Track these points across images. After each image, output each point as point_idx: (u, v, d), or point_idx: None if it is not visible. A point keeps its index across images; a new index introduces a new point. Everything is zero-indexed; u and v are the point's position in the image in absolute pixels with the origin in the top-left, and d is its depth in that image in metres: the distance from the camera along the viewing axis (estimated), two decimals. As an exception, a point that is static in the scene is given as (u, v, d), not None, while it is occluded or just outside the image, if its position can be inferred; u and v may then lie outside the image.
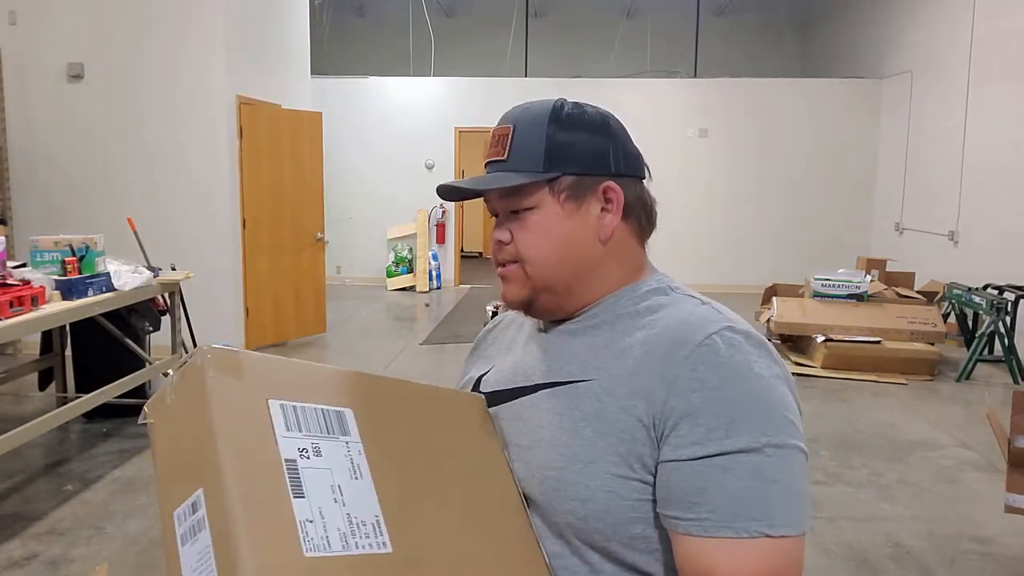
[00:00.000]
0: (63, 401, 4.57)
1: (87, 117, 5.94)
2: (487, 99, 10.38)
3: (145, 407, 0.75)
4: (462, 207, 12.17)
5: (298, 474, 0.66)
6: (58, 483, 3.78)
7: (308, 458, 0.68)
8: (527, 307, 0.95)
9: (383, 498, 0.71)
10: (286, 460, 0.66)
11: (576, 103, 0.96)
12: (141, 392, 4.63)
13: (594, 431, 0.84)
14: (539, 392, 0.92)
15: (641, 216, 0.95)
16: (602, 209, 0.92)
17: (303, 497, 0.65)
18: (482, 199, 0.95)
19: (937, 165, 8.19)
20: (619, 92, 10.16)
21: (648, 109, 10.01)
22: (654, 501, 0.83)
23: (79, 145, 5.98)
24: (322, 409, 0.73)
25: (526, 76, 11.17)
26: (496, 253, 0.96)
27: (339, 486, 0.68)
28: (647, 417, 0.82)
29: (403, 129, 10.40)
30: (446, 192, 0.94)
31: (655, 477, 0.82)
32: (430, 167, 10.45)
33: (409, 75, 11.07)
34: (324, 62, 10.81)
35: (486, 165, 0.96)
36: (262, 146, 6.32)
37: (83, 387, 4.42)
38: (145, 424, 0.74)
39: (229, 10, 5.90)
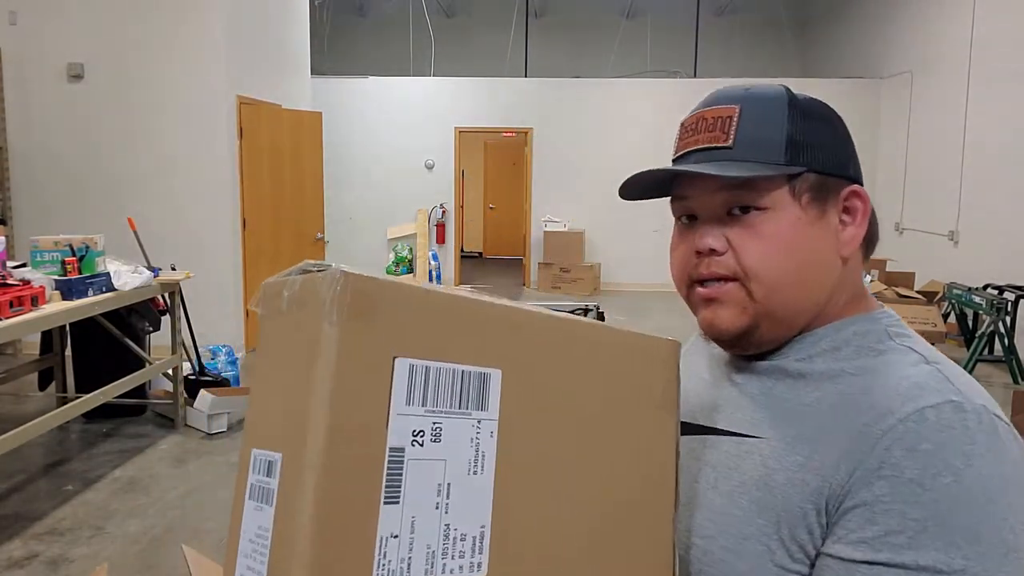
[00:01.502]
0: (63, 401, 4.56)
1: (87, 117, 5.94)
2: (487, 99, 10.38)
3: (260, 294, 0.58)
4: (462, 207, 12.17)
5: (400, 470, 0.52)
6: (58, 483, 3.78)
7: (421, 445, 0.52)
8: (740, 339, 0.74)
9: (500, 502, 0.56)
10: (391, 450, 0.51)
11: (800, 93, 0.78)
12: (141, 392, 4.64)
13: (753, 501, 0.68)
14: (704, 436, 0.76)
15: (873, 233, 0.77)
16: (840, 220, 0.74)
17: (396, 502, 0.51)
18: (668, 198, 0.77)
19: (937, 165, 8.19)
20: (619, 92, 10.17)
21: (648, 109, 10.01)
22: None
23: (79, 145, 5.98)
24: (464, 371, 0.55)
25: (526, 76, 11.18)
26: (695, 268, 0.75)
27: (448, 485, 0.53)
28: (819, 498, 0.65)
29: (403, 129, 10.40)
30: (639, 190, 0.78)
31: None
32: (430, 167, 10.45)
33: (409, 75, 11.07)
34: (324, 62, 10.82)
35: (684, 156, 0.76)
36: (262, 146, 6.32)
37: (83, 387, 4.42)
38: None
39: (229, 10, 5.90)
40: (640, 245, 10.10)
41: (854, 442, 0.64)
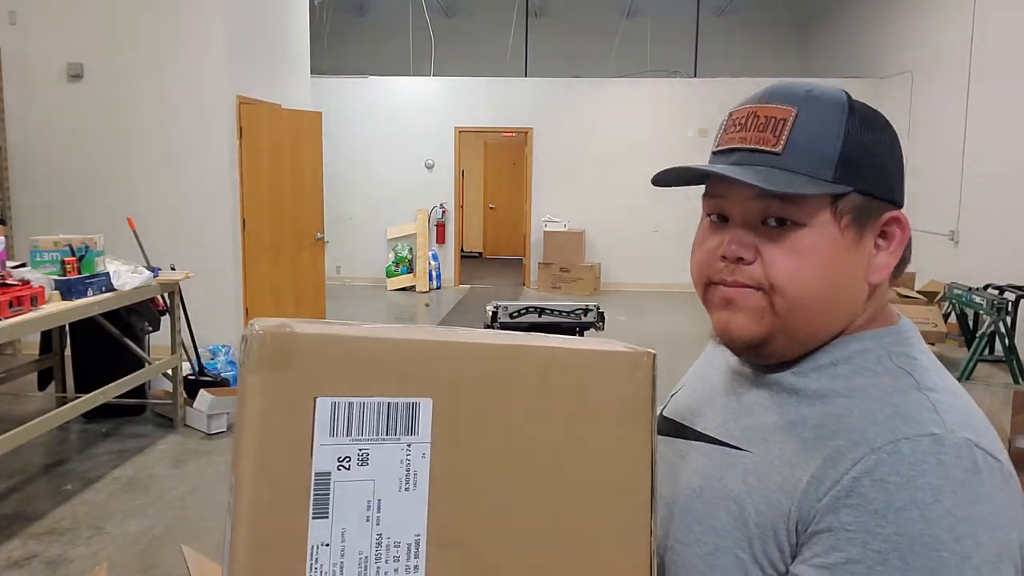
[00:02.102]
0: (63, 401, 4.56)
1: (87, 117, 5.94)
2: (487, 99, 10.38)
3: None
4: (462, 207, 12.16)
5: (327, 490, 0.59)
6: (58, 483, 3.78)
7: (347, 468, 0.60)
8: (752, 349, 0.73)
9: (436, 514, 0.61)
10: (316, 474, 0.59)
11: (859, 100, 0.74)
12: (141, 392, 4.64)
13: (731, 515, 0.69)
14: (695, 443, 0.76)
15: (907, 256, 0.74)
16: (875, 244, 0.71)
17: (325, 517, 0.59)
18: (701, 191, 0.75)
19: (937, 165, 8.19)
20: (619, 92, 10.17)
21: (648, 109, 10.01)
22: None
23: (79, 145, 5.98)
24: (388, 403, 0.61)
25: (526, 76, 11.18)
26: (717, 272, 0.73)
27: (378, 501, 0.60)
28: (791, 521, 0.65)
29: (403, 129, 10.41)
30: (672, 178, 0.75)
31: None
32: (430, 167, 10.45)
33: (409, 75, 11.07)
34: (324, 62, 10.81)
35: (730, 151, 0.72)
36: (262, 146, 6.31)
37: (83, 387, 4.42)
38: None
39: (229, 10, 5.90)
40: (640, 245, 10.10)
41: (828, 467, 0.64)
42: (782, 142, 0.69)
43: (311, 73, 7.68)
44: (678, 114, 10.15)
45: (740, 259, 0.70)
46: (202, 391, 4.50)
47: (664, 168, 0.74)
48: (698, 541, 0.70)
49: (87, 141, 5.97)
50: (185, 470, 3.95)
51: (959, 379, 5.87)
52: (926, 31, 8.55)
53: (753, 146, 0.70)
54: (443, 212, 10.51)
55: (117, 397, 4.11)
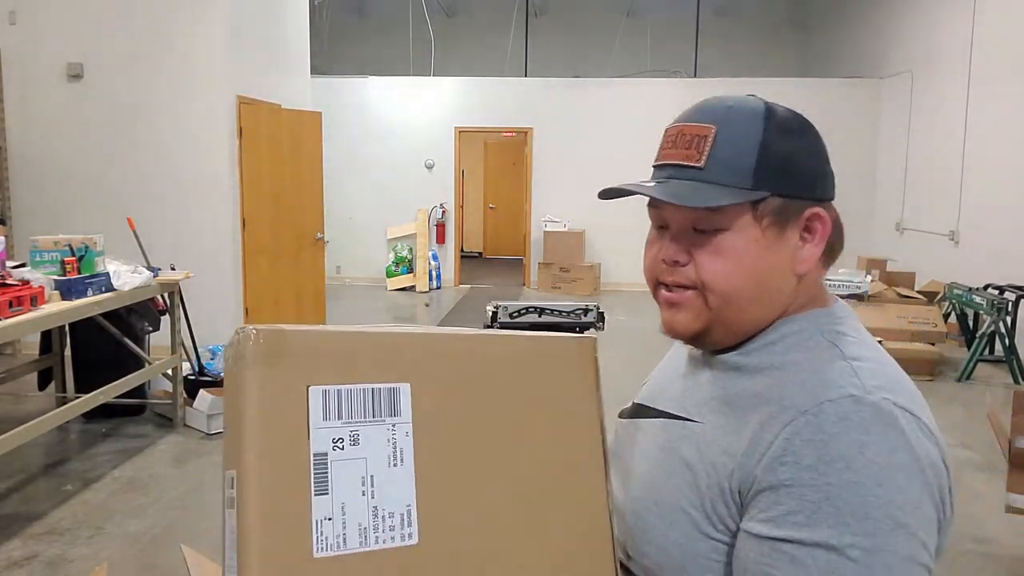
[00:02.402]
0: (63, 401, 4.56)
1: (87, 117, 5.94)
2: (487, 99, 10.38)
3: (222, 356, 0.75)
4: (462, 207, 12.17)
5: (325, 469, 0.65)
6: (58, 483, 3.78)
7: (342, 449, 0.66)
8: (695, 339, 0.83)
9: (423, 485, 0.68)
10: (315, 455, 0.65)
11: (781, 105, 0.81)
12: (141, 392, 4.64)
13: (684, 480, 0.78)
14: (657, 420, 0.86)
15: (835, 244, 0.83)
16: (801, 237, 0.80)
17: (326, 494, 0.64)
18: (647, 202, 0.82)
19: (937, 165, 8.19)
20: (619, 92, 10.17)
21: (648, 109, 10.00)
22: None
23: (79, 145, 5.98)
24: (372, 389, 0.68)
25: (526, 76, 11.18)
26: (660, 273, 0.83)
27: (371, 477, 0.66)
28: (733, 481, 0.74)
29: (403, 129, 10.40)
30: (614, 193, 0.83)
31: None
32: (430, 167, 10.45)
33: (409, 75, 11.07)
34: (324, 62, 10.81)
35: (664, 167, 0.81)
36: (262, 146, 6.31)
37: (83, 387, 4.42)
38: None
39: (229, 10, 5.90)
40: (640, 245, 9.90)
41: (763, 431, 0.72)
42: (704, 158, 0.78)
43: (311, 73, 7.68)
44: (678, 114, 10.12)
45: (676, 262, 0.80)
46: (202, 391, 4.50)
47: (606, 187, 0.84)
48: (658, 503, 0.79)
49: (87, 141, 5.97)
50: (185, 470, 3.95)
51: (958, 379, 5.88)
52: (926, 31, 8.55)
53: (680, 162, 0.79)
54: (443, 212, 10.51)
55: (117, 397, 4.11)
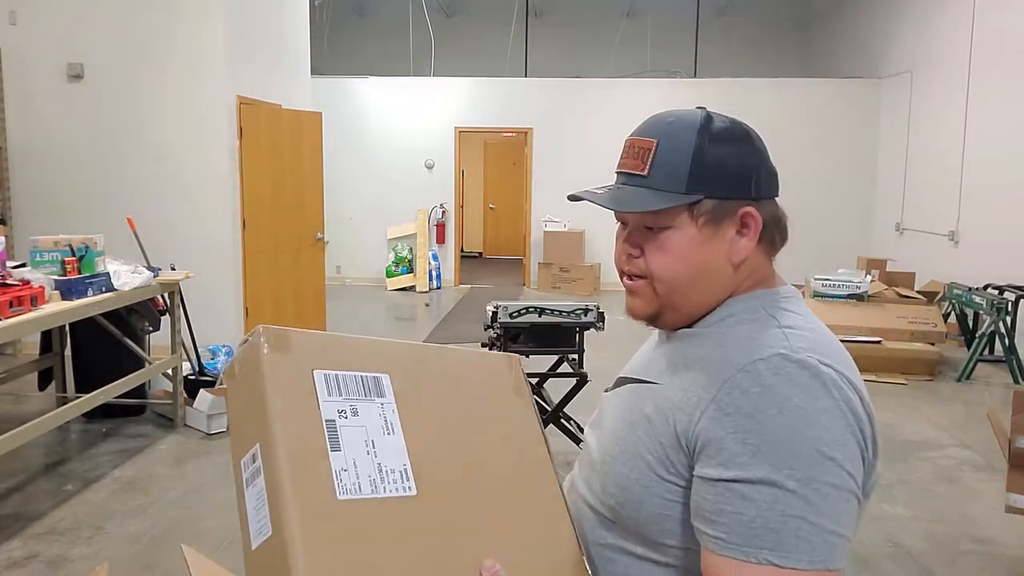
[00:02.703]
0: (63, 401, 4.56)
1: (87, 117, 5.94)
2: (487, 99, 10.38)
3: (221, 374, 0.90)
4: (462, 207, 12.18)
5: (336, 432, 0.79)
6: (58, 483, 3.78)
7: (346, 418, 0.80)
8: (651, 321, 0.98)
9: (412, 450, 0.83)
10: (326, 420, 0.79)
11: (722, 116, 0.94)
12: (141, 392, 4.64)
13: (644, 431, 0.90)
14: (627, 385, 1.00)
15: (774, 235, 0.96)
16: (737, 232, 0.92)
17: (339, 451, 0.78)
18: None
19: (937, 165, 8.19)
20: (619, 92, 10.17)
21: (648, 109, 9.94)
22: (686, 505, 0.87)
23: (79, 145, 5.98)
24: (361, 376, 0.85)
25: (526, 76, 11.18)
26: (623, 264, 0.98)
27: (372, 440, 0.81)
28: (682, 432, 0.86)
29: (403, 129, 10.40)
30: (575, 198, 0.96)
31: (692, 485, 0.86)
32: (430, 167, 10.45)
33: (409, 75, 11.07)
34: (324, 62, 10.80)
35: (620, 174, 0.96)
36: (262, 146, 6.31)
37: (83, 387, 4.42)
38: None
39: (229, 10, 5.90)
40: (640, 245, 10.07)
41: (707, 387, 0.85)
42: (648, 167, 0.92)
43: (311, 73, 7.68)
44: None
45: (631, 255, 0.95)
46: (202, 391, 4.50)
47: (570, 193, 0.98)
48: (622, 451, 0.92)
49: (87, 141, 5.97)
50: (185, 470, 3.95)
51: (958, 379, 5.88)
52: (926, 31, 8.55)
53: (630, 171, 0.94)
54: (443, 212, 10.51)
55: (117, 397, 4.11)
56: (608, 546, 0.95)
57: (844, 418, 0.82)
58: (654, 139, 0.93)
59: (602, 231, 10.23)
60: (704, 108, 0.96)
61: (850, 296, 6.44)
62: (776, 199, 0.96)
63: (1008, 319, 5.92)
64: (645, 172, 0.92)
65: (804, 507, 0.78)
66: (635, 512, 0.90)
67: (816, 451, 0.79)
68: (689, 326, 0.97)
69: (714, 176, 0.90)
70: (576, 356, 3.94)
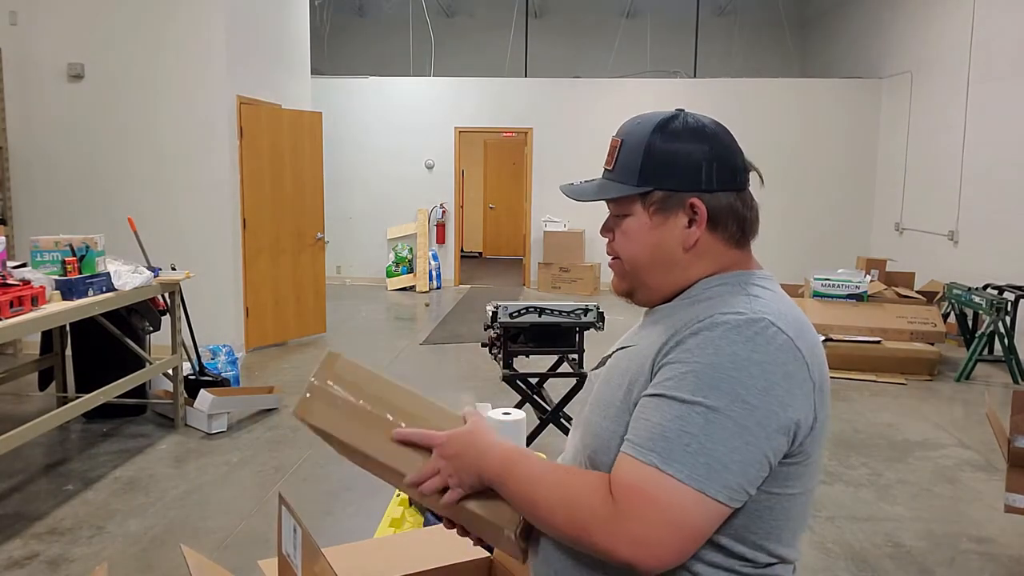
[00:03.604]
0: (63, 401, 4.57)
1: (87, 117, 5.95)
2: (487, 99, 10.38)
3: (301, 416, 1.12)
4: (462, 207, 12.18)
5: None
6: (58, 483, 3.78)
7: None
8: (628, 296, 1.12)
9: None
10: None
11: (692, 114, 1.05)
12: (141, 392, 4.64)
13: (619, 384, 1.01)
14: (614, 355, 1.10)
15: (730, 224, 1.04)
16: (689, 221, 1.02)
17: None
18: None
19: (937, 165, 8.19)
20: (619, 92, 10.17)
21: (648, 109, 9.96)
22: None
23: (79, 145, 5.98)
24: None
25: (526, 76, 11.18)
26: (607, 246, 1.12)
27: None
28: (649, 368, 0.97)
29: (403, 129, 10.40)
30: (563, 191, 1.13)
31: None
32: (430, 167, 10.45)
33: (409, 75, 11.07)
34: (324, 62, 10.81)
35: (604, 169, 1.11)
36: (262, 146, 6.32)
37: (83, 387, 4.42)
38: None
39: (229, 10, 5.90)
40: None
41: (673, 337, 0.96)
42: (613, 162, 1.06)
43: (311, 73, 7.68)
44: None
45: (608, 239, 1.10)
46: (203, 391, 4.50)
47: (563, 184, 1.14)
48: (600, 403, 1.03)
49: (87, 141, 5.97)
50: (185, 470, 3.96)
51: (958, 379, 5.88)
52: (926, 31, 8.55)
53: (605, 166, 1.09)
54: (443, 212, 10.51)
55: (118, 397, 4.11)
56: None
57: (772, 375, 0.89)
58: (620, 138, 1.06)
59: (602, 231, 10.23)
60: (681, 110, 1.06)
61: (850, 296, 6.45)
62: (740, 192, 1.04)
63: (1007, 319, 5.92)
64: (611, 167, 1.06)
65: (702, 428, 0.87)
66: (606, 457, 0.97)
67: (733, 391, 0.88)
68: (668, 301, 1.08)
69: (663, 170, 1.02)
70: (576, 356, 3.94)
